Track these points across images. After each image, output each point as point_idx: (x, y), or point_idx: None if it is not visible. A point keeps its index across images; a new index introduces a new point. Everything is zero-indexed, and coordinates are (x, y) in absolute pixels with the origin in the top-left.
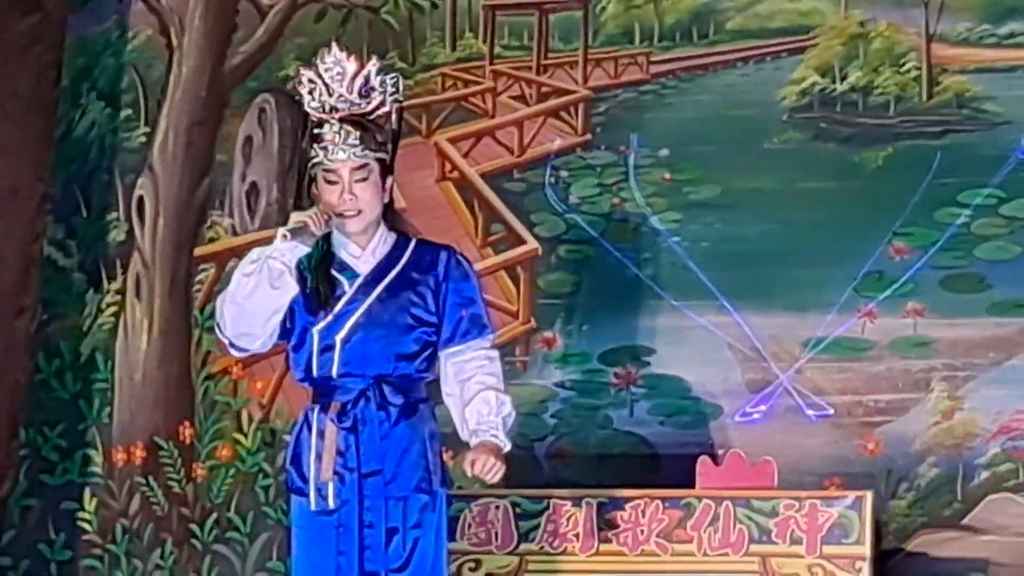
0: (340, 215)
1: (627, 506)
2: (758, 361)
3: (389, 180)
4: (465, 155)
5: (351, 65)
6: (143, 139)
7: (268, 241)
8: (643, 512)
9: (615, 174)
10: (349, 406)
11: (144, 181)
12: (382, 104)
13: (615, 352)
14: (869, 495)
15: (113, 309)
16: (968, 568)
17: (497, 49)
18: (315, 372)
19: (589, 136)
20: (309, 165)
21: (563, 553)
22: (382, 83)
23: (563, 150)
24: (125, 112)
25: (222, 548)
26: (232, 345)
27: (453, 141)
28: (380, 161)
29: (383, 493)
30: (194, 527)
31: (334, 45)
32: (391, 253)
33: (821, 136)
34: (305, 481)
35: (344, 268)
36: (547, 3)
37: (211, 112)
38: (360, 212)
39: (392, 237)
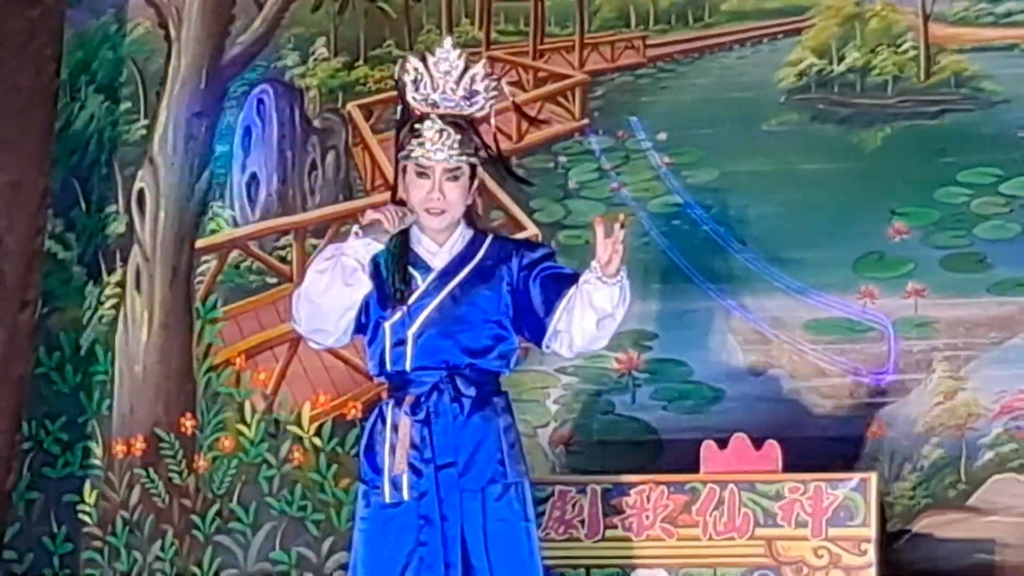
0: (426, 211)
1: (632, 491)
2: (760, 344)
3: (475, 181)
4: None
5: (460, 63)
6: (143, 132)
7: (271, 232)
8: (648, 497)
9: (614, 158)
10: (423, 399)
11: (144, 174)
12: (482, 108)
13: (616, 337)
14: (874, 477)
15: (113, 301)
16: (973, 549)
17: (493, 35)
18: (388, 366)
19: (587, 120)
20: (401, 155)
21: (569, 540)
22: (486, 87)
23: (561, 135)
24: (124, 105)
25: (224, 539)
26: (313, 341)
27: None
28: (471, 165)
29: (457, 485)
30: (195, 518)
31: (447, 40)
32: (466, 249)
33: (819, 117)
34: (378, 473)
35: (419, 263)
36: None
37: (210, 103)
38: (444, 211)
39: (469, 234)
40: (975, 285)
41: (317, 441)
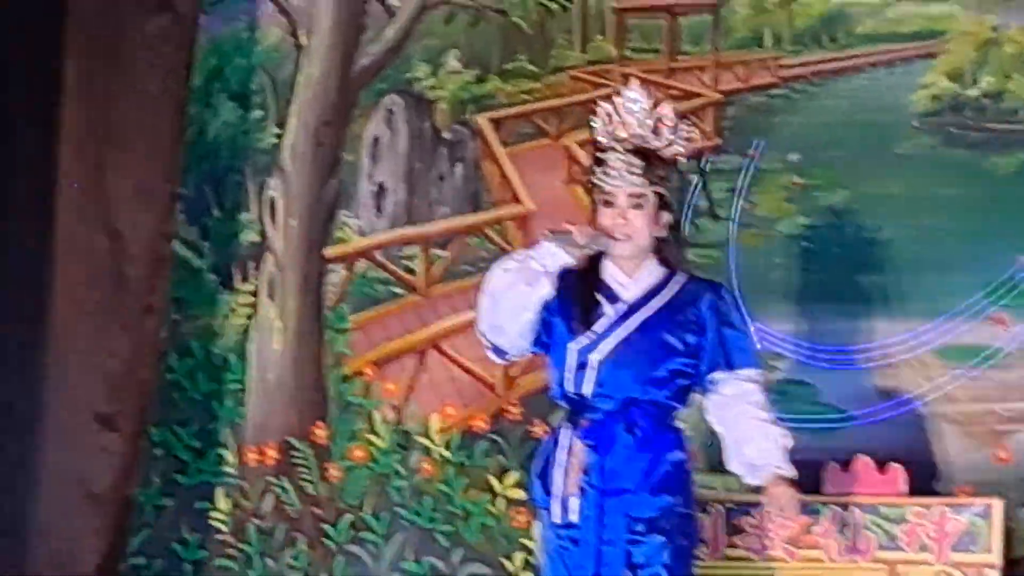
0: (611, 236)
1: (754, 512)
2: (888, 367)
3: (665, 216)
4: None
5: (647, 101)
6: (274, 140)
7: (398, 242)
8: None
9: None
10: (597, 425)
11: (275, 182)
12: (670, 144)
13: None
14: (999, 502)
15: (247, 310)
16: None
17: (627, 51)
18: (568, 389)
19: (719, 140)
20: (594, 190)
21: None
22: (675, 124)
23: (693, 155)
24: (256, 113)
25: (356, 548)
26: (492, 348)
27: (582, 144)
28: (658, 194)
29: (624, 512)
30: (327, 527)
31: (633, 81)
32: (657, 285)
33: (951, 142)
34: (549, 494)
35: (608, 292)
36: (677, 6)
37: (339, 113)
38: (630, 237)
39: (661, 271)
40: None
41: (445, 452)
